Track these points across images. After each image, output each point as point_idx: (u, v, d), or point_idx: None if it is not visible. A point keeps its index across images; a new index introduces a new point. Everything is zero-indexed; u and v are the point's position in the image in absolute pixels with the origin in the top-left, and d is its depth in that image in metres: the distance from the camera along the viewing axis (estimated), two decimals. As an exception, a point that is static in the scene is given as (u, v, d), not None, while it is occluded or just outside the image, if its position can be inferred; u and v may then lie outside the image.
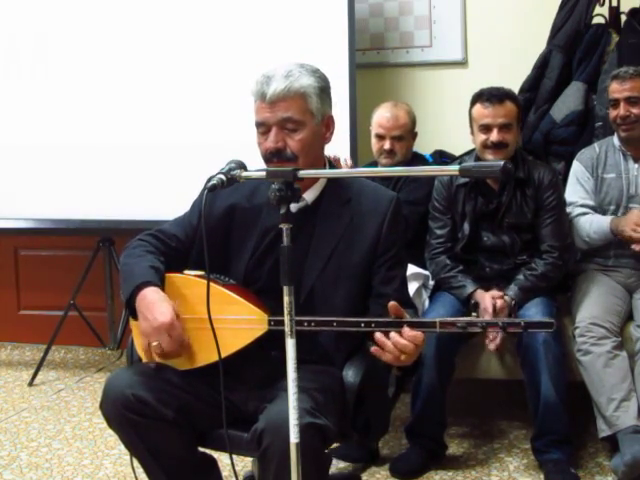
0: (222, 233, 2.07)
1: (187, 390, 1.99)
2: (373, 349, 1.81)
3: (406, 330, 1.78)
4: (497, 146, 2.90)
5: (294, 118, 1.96)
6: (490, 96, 2.91)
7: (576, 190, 3.07)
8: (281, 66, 1.98)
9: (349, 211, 2.05)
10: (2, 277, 4.60)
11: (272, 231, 2.05)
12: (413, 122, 3.27)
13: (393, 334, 1.78)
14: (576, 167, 3.10)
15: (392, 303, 1.80)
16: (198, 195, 2.15)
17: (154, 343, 1.92)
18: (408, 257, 2.96)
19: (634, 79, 2.93)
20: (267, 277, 2.05)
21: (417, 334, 1.77)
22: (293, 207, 1.69)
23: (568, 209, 3.05)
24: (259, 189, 2.10)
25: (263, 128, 1.97)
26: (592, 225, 2.97)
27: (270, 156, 1.96)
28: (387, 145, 3.19)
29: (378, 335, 1.79)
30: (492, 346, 2.87)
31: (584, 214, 3.02)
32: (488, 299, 2.86)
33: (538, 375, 2.73)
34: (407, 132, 3.23)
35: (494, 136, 2.89)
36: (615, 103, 2.97)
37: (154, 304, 1.94)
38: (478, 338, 2.94)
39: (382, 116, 3.22)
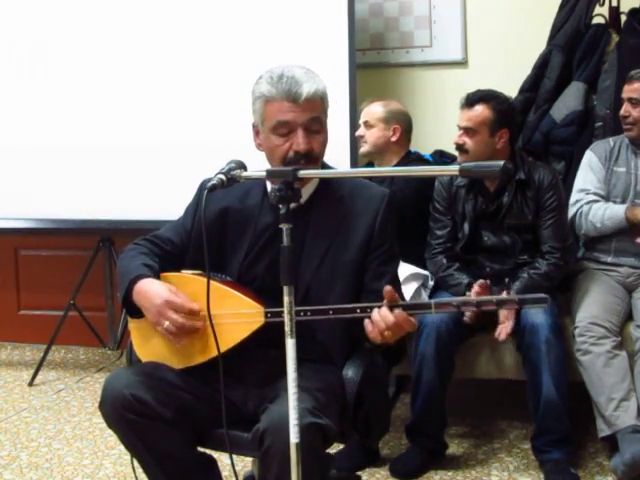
0: (216, 236, 2.07)
1: (186, 390, 1.99)
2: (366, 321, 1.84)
3: (398, 311, 1.80)
4: (457, 148, 2.95)
5: (321, 119, 1.99)
6: (466, 99, 2.93)
7: (589, 178, 3.07)
8: (291, 67, 1.98)
9: (342, 209, 2.06)
10: (2, 277, 4.60)
11: (266, 232, 2.06)
12: (389, 113, 3.28)
13: (383, 309, 1.81)
14: (589, 156, 3.11)
15: (387, 288, 1.81)
16: (191, 200, 2.19)
17: (165, 325, 1.93)
18: (408, 258, 3.02)
19: None
20: (262, 278, 2.06)
21: (406, 317, 1.79)
22: (280, 207, 1.69)
23: (579, 196, 3.05)
24: (251, 191, 2.11)
25: (285, 129, 1.96)
26: (606, 212, 2.96)
27: (299, 157, 1.95)
28: (357, 131, 3.33)
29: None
30: (502, 336, 2.84)
31: (596, 201, 3.02)
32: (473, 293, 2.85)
33: (539, 374, 2.74)
34: (376, 120, 3.27)
35: (455, 138, 2.93)
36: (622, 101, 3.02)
37: (148, 291, 1.96)
38: (478, 337, 2.94)
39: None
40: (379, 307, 1.82)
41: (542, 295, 1.82)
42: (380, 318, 1.81)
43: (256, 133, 2.07)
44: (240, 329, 1.95)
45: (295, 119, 1.95)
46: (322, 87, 1.98)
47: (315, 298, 1.98)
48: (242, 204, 2.11)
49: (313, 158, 1.97)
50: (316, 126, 1.98)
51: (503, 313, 2.84)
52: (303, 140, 1.95)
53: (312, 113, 1.96)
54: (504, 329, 2.84)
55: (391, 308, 1.80)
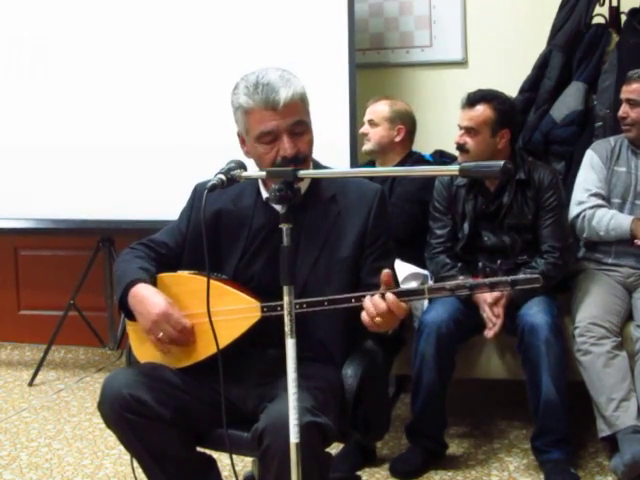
0: (211, 237, 2.07)
1: (185, 390, 2.00)
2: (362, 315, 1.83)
3: (388, 296, 1.80)
4: (458, 148, 2.95)
5: (304, 120, 1.98)
6: (467, 98, 2.93)
7: (590, 177, 3.07)
8: (265, 73, 1.97)
9: (335, 206, 2.06)
10: (2, 277, 4.60)
11: (261, 232, 2.07)
12: (395, 112, 3.28)
13: (375, 296, 1.81)
14: (590, 155, 3.11)
15: (385, 272, 1.81)
16: (186, 204, 2.20)
17: (159, 335, 1.94)
18: (408, 258, 3.02)
19: (638, 82, 2.95)
20: (258, 277, 2.06)
21: (397, 302, 1.79)
22: (280, 207, 1.69)
23: (582, 197, 3.05)
24: (244, 192, 2.12)
25: (270, 137, 1.96)
26: (611, 222, 2.96)
27: (287, 163, 1.94)
28: (362, 128, 3.32)
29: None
30: (490, 333, 2.85)
31: (600, 206, 3.01)
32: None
33: (539, 374, 2.73)
34: (381, 119, 3.27)
35: (456, 137, 2.94)
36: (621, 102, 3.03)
37: (146, 298, 1.97)
38: (478, 337, 2.94)
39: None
40: (372, 295, 1.82)
41: (534, 275, 1.83)
42: (371, 305, 1.81)
43: (242, 141, 2.07)
44: (237, 325, 1.96)
45: (278, 126, 1.94)
46: (300, 88, 1.97)
47: (313, 295, 1.97)
48: (235, 205, 2.11)
49: (301, 160, 1.97)
50: (300, 128, 1.97)
51: (493, 311, 2.85)
52: (289, 145, 1.95)
53: (294, 117, 1.95)
54: (492, 328, 2.84)
55: (383, 295, 1.81)
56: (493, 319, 2.85)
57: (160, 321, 1.94)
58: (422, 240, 3.11)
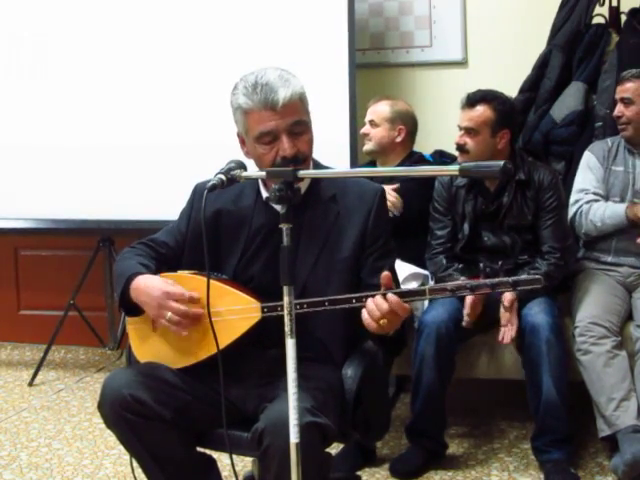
0: (211, 237, 2.06)
1: (185, 390, 1.99)
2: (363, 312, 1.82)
3: (390, 296, 1.79)
4: (458, 148, 2.95)
5: (303, 120, 1.98)
6: (467, 99, 2.94)
7: (588, 178, 3.09)
8: (264, 73, 1.97)
9: (335, 206, 2.06)
10: (2, 277, 4.60)
11: (262, 231, 2.07)
12: (396, 113, 3.28)
13: (377, 297, 1.80)
14: (588, 156, 3.13)
15: (385, 273, 1.81)
16: (186, 204, 2.20)
17: (167, 316, 1.93)
18: (408, 258, 3.02)
19: (632, 81, 2.98)
20: (258, 278, 2.06)
21: (400, 302, 1.78)
22: (280, 207, 1.69)
23: (578, 196, 3.06)
24: (244, 192, 2.12)
25: (269, 137, 1.96)
26: (607, 210, 2.97)
27: (287, 162, 1.93)
28: (362, 129, 3.32)
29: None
30: (507, 339, 2.83)
31: (597, 201, 3.03)
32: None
33: (539, 374, 2.74)
34: (381, 119, 3.27)
35: (456, 138, 2.94)
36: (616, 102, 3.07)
37: (145, 286, 1.97)
38: (478, 337, 2.94)
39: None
40: (373, 296, 1.82)
41: (536, 276, 1.81)
42: (374, 307, 1.80)
43: (242, 142, 2.07)
44: (238, 325, 1.96)
45: (277, 127, 1.94)
46: (299, 88, 1.97)
47: (313, 295, 1.97)
48: (235, 205, 2.11)
49: (301, 160, 1.96)
50: (299, 128, 1.97)
51: (505, 316, 2.84)
52: (289, 145, 1.94)
53: (293, 117, 1.95)
54: (508, 332, 2.83)
55: (385, 296, 1.80)
56: (469, 324, 2.83)
57: (163, 302, 1.92)
58: (422, 240, 3.11)
